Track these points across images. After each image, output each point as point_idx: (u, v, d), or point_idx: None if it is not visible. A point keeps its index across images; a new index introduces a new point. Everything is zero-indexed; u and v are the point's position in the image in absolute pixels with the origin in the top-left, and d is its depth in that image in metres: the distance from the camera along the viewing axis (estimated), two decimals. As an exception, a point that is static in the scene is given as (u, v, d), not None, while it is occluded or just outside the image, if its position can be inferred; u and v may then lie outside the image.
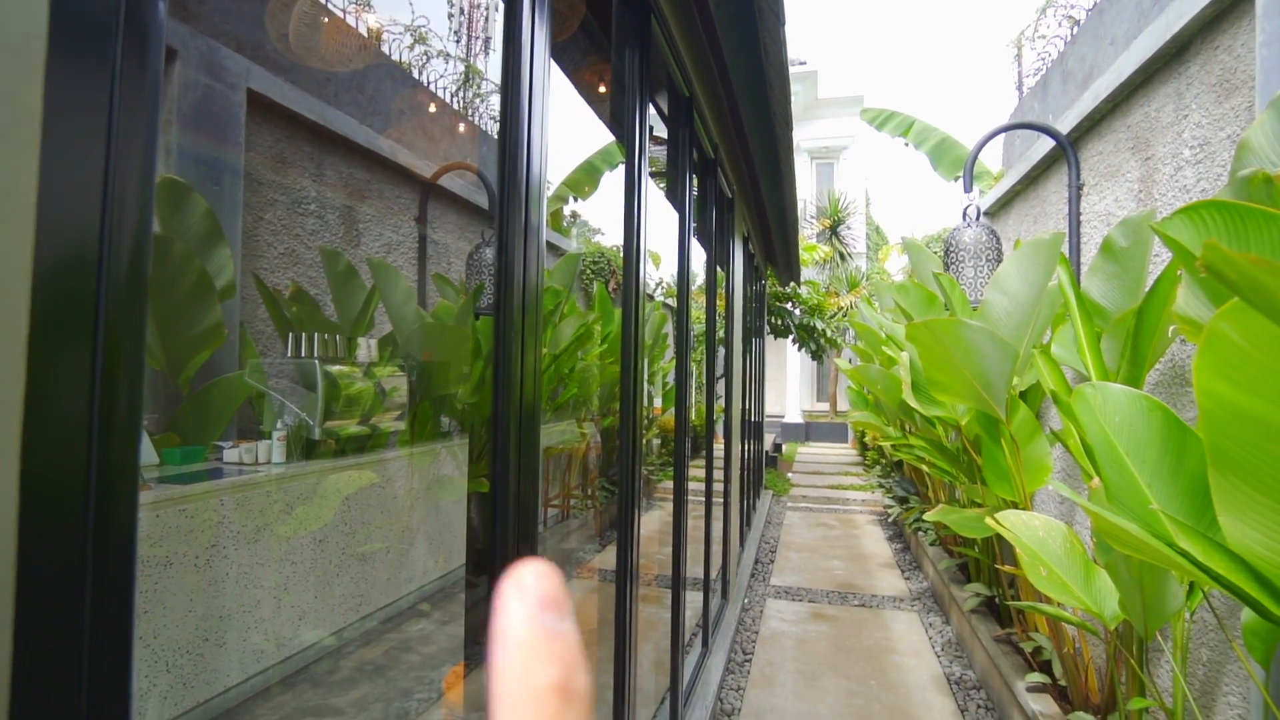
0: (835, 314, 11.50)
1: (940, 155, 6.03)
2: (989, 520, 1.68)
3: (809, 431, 14.42)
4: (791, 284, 9.05)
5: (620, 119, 1.91)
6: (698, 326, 3.95)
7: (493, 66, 3.60)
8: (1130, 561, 1.45)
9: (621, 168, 1.91)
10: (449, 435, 3.05)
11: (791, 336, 9.57)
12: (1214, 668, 1.84)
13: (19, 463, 0.35)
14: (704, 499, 3.53)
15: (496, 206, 1.12)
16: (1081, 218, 3.02)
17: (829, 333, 9.31)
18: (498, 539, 1.07)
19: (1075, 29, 3.91)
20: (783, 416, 14.64)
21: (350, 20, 2.89)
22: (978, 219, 2.93)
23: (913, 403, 2.86)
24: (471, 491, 2.74)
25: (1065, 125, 3.08)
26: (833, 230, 14.25)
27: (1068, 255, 2.98)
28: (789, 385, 14.56)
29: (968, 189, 3.06)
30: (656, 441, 5.14)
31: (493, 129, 3.81)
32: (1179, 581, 1.44)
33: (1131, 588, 1.48)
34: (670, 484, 2.61)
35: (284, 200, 2.34)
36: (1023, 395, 2.94)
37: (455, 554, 3.01)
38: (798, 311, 9.60)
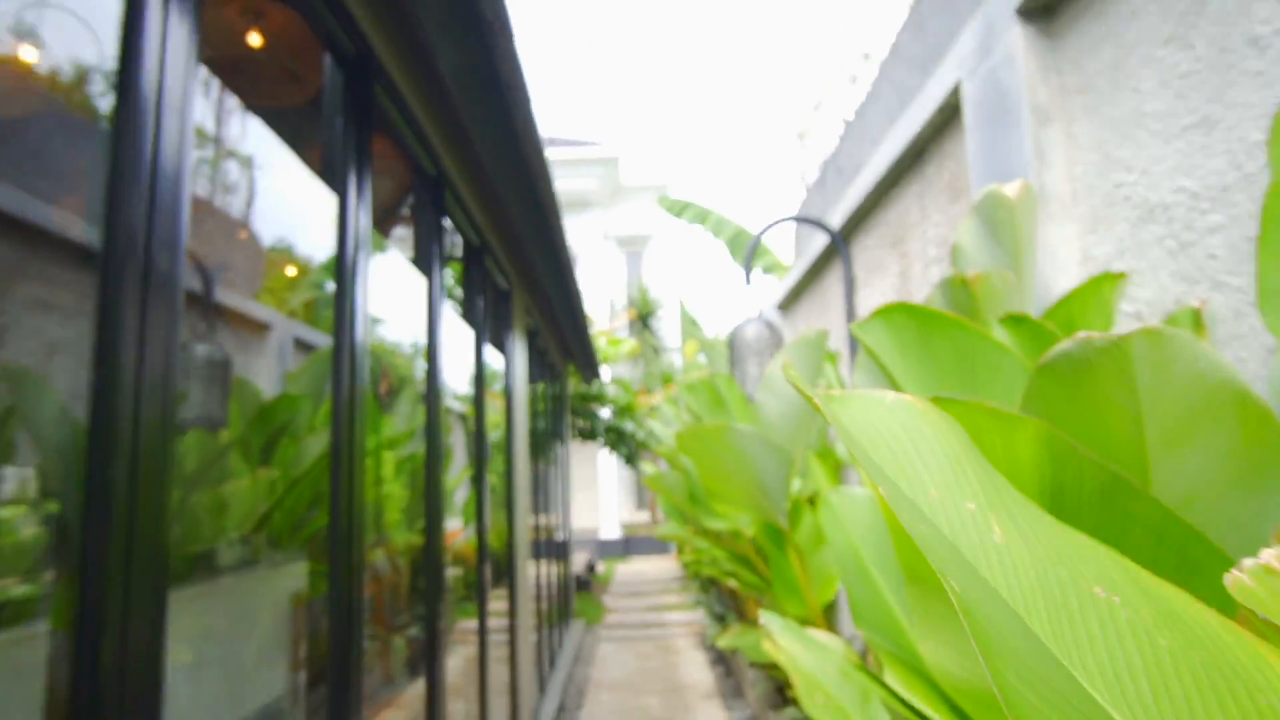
0: (647, 414, 11.88)
1: (736, 246, 6.59)
2: (764, 644, 1.69)
3: (628, 546, 14.46)
4: (597, 383, 9.24)
5: (334, 182, 1.85)
6: (472, 432, 3.83)
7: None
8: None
9: (385, 249, 1.84)
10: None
11: (600, 440, 9.69)
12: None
13: None
14: (479, 641, 3.32)
15: (100, 262, 0.99)
16: (859, 312, 3.37)
17: (640, 435, 9.54)
18: None
19: (846, 128, 4.51)
20: (598, 532, 14.58)
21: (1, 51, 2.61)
22: (759, 315, 3.17)
23: (703, 516, 2.94)
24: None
25: (837, 220, 3.48)
26: (643, 322, 14.92)
27: (847, 350, 3.30)
28: (603, 495, 14.60)
29: (747, 282, 3.32)
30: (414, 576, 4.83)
31: (222, 201, 3.56)
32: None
33: (897, 710, 1.55)
34: (439, 627, 2.42)
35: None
36: (814, 501, 3.13)
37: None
38: (606, 412, 9.78)
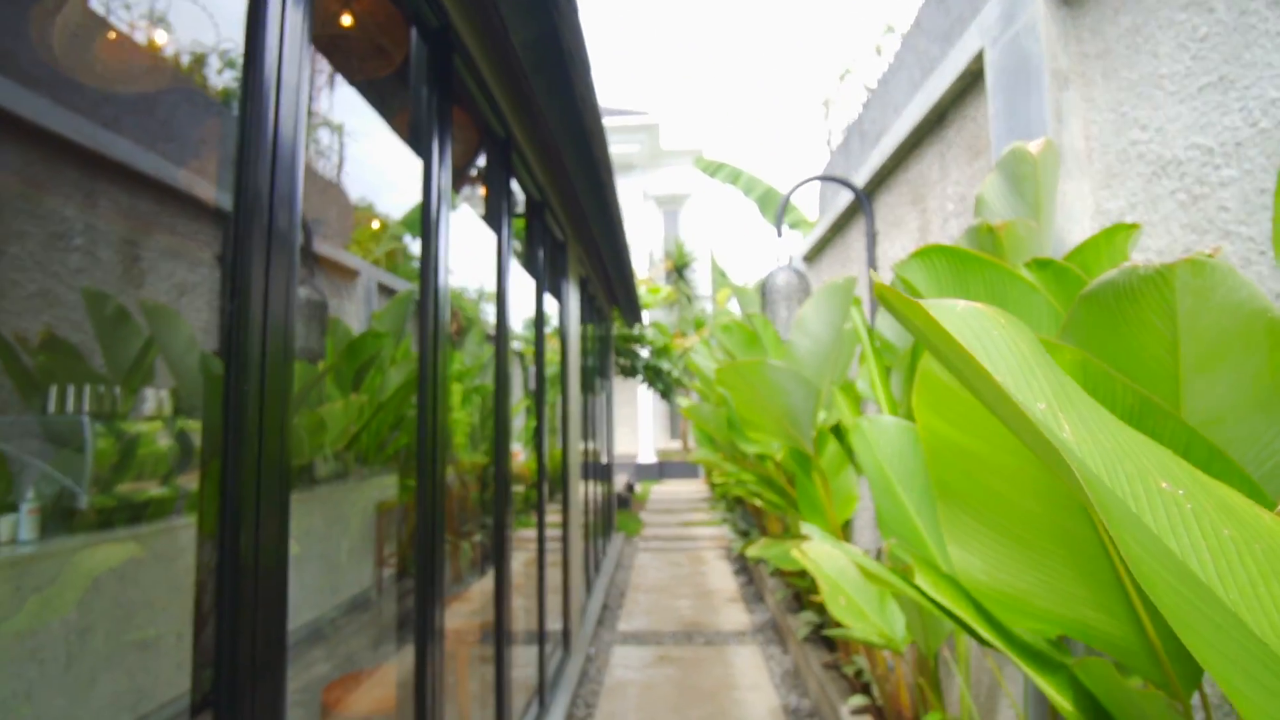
0: (682, 354, 11.87)
1: (767, 204, 6.45)
2: (794, 553, 1.70)
3: (662, 470, 14.65)
4: (638, 326, 9.24)
5: (419, 146, 1.84)
6: (531, 368, 3.88)
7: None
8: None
9: (457, 206, 1.84)
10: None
11: (639, 376, 9.73)
12: (995, 682, 1.99)
13: None
14: (538, 547, 3.42)
15: (232, 216, 1.00)
16: (878, 263, 3.30)
17: (675, 373, 9.56)
18: (225, 615, 0.93)
19: (869, 95, 4.35)
20: (637, 457, 14.78)
21: (138, 37, 2.61)
22: (789, 264, 3.11)
23: (739, 441, 2.95)
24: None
25: (861, 179, 3.37)
26: (679, 273, 14.80)
27: (868, 298, 3.24)
28: (642, 425, 14.76)
29: (779, 235, 3.25)
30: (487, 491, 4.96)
31: (319, 165, 3.59)
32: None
33: (912, 611, 1.57)
34: (506, 535, 2.49)
35: (37, 233, 2.02)
36: (836, 430, 3.12)
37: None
38: (646, 352, 9.80)
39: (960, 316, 0.40)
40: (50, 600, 1.80)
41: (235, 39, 1.06)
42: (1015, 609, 0.81)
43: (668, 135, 16.30)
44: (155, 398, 2.30)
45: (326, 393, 3.01)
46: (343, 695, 2.59)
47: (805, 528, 1.37)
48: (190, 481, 1.92)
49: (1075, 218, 1.70)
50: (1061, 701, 0.77)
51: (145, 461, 2.17)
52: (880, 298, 0.45)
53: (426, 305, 1.75)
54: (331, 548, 2.74)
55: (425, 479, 1.73)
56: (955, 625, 0.90)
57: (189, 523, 2.37)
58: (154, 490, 2.29)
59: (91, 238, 2.26)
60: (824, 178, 3.37)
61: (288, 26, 1.06)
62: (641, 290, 10.36)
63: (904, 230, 2.90)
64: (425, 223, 1.80)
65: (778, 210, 3.24)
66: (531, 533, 3.43)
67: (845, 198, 3.71)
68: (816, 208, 6.00)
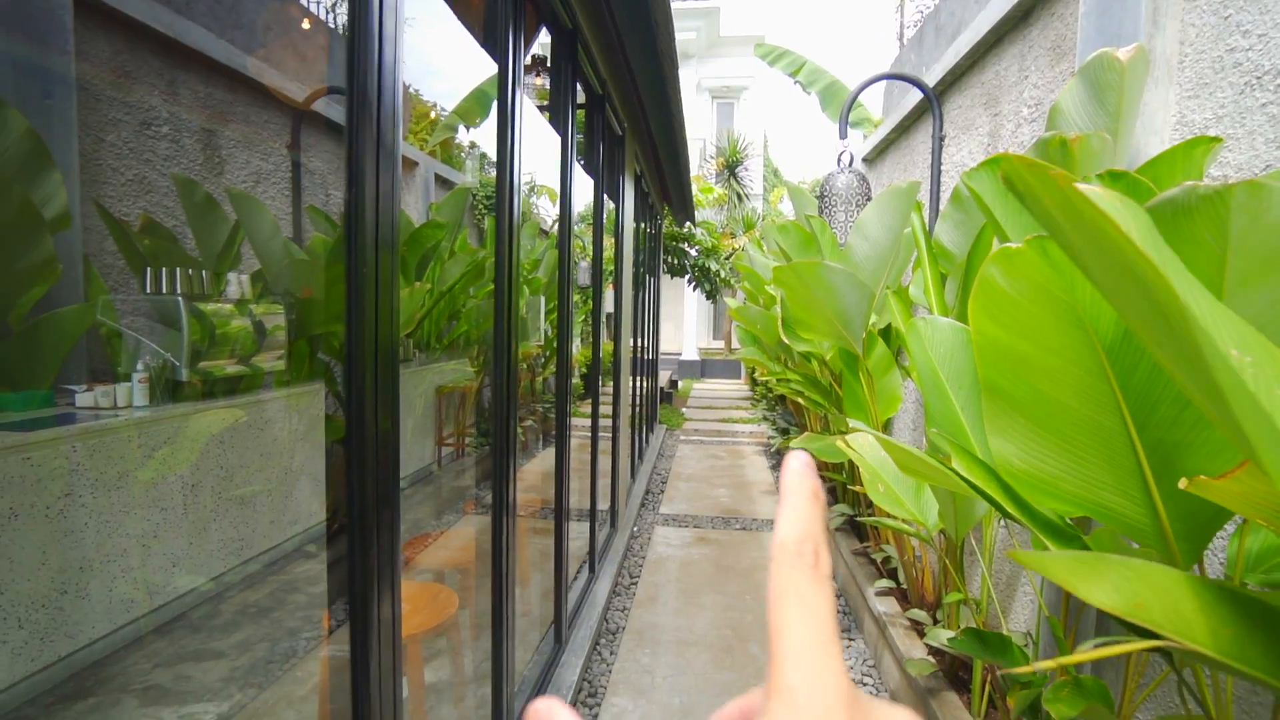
0: (730, 254, 11.77)
1: (829, 98, 6.18)
2: (838, 443, 1.83)
3: (705, 368, 14.86)
4: (688, 225, 9.15)
5: (493, 40, 1.86)
6: (587, 263, 3.96)
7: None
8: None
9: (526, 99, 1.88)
10: (328, 374, 2.96)
11: (687, 276, 9.73)
12: (1016, 569, 2.13)
13: None
14: (591, 435, 3.63)
15: (346, 125, 1.09)
16: (943, 167, 3.22)
17: (723, 273, 9.53)
18: (354, 481, 1.08)
19: (950, -17, 4.06)
20: (680, 354, 14.99)
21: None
22: (850, 165, 3.07)
23: (785, 339, 3.03)
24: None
25: (933, 78, 3.24)
26: (730, 171, 14.40)
27: (929, 203, 3.19)
28: (686, 324, 14.86)
29: (843, 135, 3.18)
30: (550, 379, 5.18)
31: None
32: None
33: (945, 500, 1.69)
34: (567, 420, 2.67)
35: (129, 120, 2.13)
36: (884, 333, 3.17)
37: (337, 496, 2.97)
38: (694, 252, 9.75)
39: (1104, 199, 0.46)
40: (179, 456, 2.05)
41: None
42: (1044, 490, 0.91)
43: (728, 20, 15.39)
44: (239, 281, 2.49)
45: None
46: (439, 549, 2.89)
47: (852, 423, 1.47)
48: (316, 353, 2.13)
49: (1155, 129, 1.66)
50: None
51: (271, 335, 2.38)
52: (1011, 174, 0.51)
53: (504, 188, 1.82)
54: (405, 423, 2.96)
55: (500, 365, 1.86)
56: (987, 508, 1.00)
57: (316, 388, 2.61)
58: (267, 364, 2.52)
59: (175, 126, 2.37)
60: (893, 76, 3.25)
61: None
62: (693, 189, 10.17)
63: (973, 135, 2.82)
64: (501, 117, 1.85)
65: (843, 110, 3.16)
66: (584, 421, 3.63)
67: (913, 98, 3.58)
68: (880, 108, 5.74)
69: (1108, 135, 1.27)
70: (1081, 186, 0.45)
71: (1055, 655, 1.67)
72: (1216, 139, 1.24)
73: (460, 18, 2.47)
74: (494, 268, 1.80)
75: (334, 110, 3.16)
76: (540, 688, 2.39)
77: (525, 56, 2.02)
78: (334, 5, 3.19)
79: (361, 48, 1.07)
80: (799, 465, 0.21)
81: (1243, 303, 0.66)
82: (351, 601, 1.10)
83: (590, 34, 2.71)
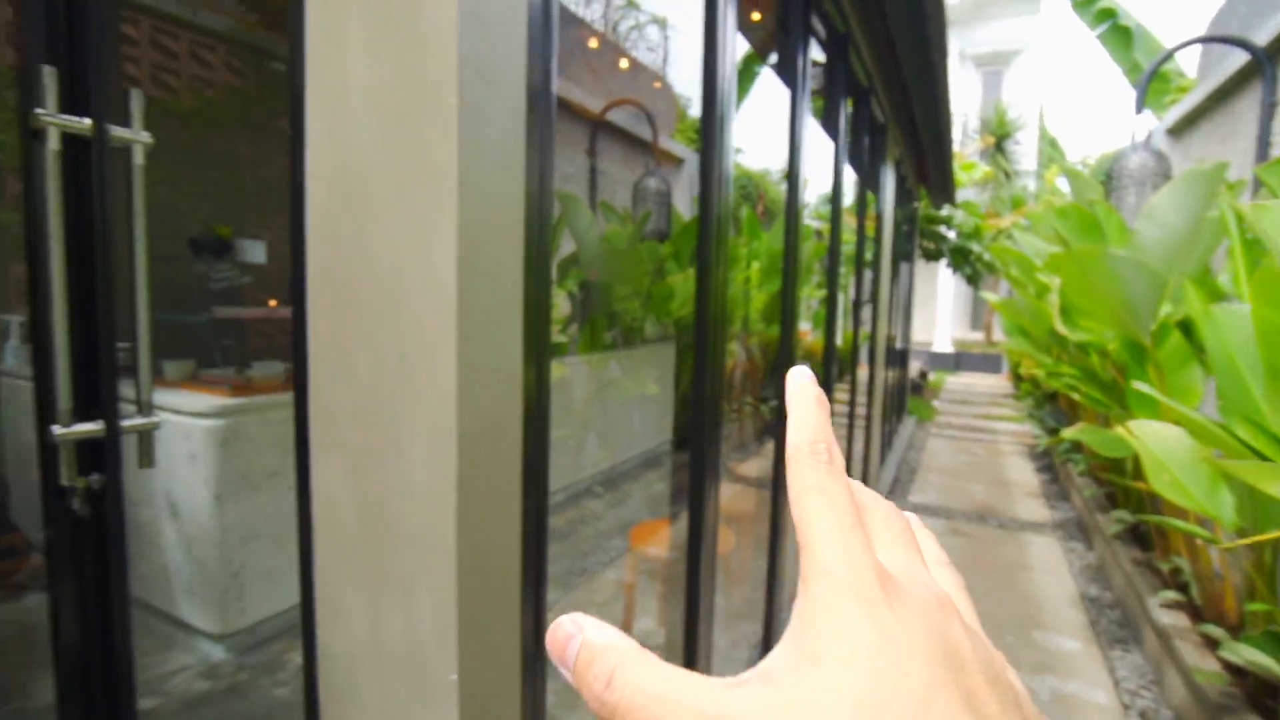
0: (994, 236, 10.85)
1: (1141, 66, 5.50)
2: (1119, 429, 1.87)
3: (959, 361, 13.89)
4: (947, 206, 8.67)
5: (783, 56, 2.12)
6: (846, 249, 4.09)
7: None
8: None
9: (761, 86, 2.12)
10: (617, 345, 3.50)
11: (945, 260, 9.22)
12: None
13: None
14: (847, 419, 3.78)
15: (701, 133, 1.43)
16: (1273, 139, 2.85)
17: (986, 256, 8.88)
18: (700, 426, 1.43)
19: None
20: (931, 345, 14.16)
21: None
22: (1146, 142, 2.85)
23: (1062, 328, 2.92)
24: (652, 394, 3.35)
25: (1264, 36, 2.87)
26: (998, 145, 13.20)
27: (1253, 181, 2.85)
28: (939, 313, 14.00)
29: (1139, 109, 2.97)
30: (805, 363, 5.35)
31: (649, 60, 4.05)
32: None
33: (1244, 494, 1.60)
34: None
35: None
36: (1183, 325, 2.92)
37: (623, 448, 3.50)
38: (952, 234, 9.20)
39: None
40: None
41: None
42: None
43: (999, -20, 14.05)
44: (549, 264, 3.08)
45: (667, 267, 3.61)
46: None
47: (1141, 424, 1.51)
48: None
49: None
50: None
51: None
52: None
53: (794, 190, 2.08)
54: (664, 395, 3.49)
55: (785, 344, 2.14)
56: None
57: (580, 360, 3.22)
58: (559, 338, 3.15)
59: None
60: (1209, 39, 2.93)
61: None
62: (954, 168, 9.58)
63: (1312, 99, 2.48)
64: (792, 130, 2.10)
65: (1141, 81, 2.93)
66: (840, 407, 3.80)
67: (1236, 60, 3.17)
68: (1195, 70, 5.01)
69: None
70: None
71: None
72: None
73: (746, 35, 2.77)
74: (782, 260, 2.07)
75: (621, 119, 3.70)
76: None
77: (802, 62, 2.25)
78: (616, 25, 3.73)
79: (709, 67, 1.40)
80: (801, 377, 0.22)
81: None
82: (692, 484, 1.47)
83: (860, 34, 2.85)
